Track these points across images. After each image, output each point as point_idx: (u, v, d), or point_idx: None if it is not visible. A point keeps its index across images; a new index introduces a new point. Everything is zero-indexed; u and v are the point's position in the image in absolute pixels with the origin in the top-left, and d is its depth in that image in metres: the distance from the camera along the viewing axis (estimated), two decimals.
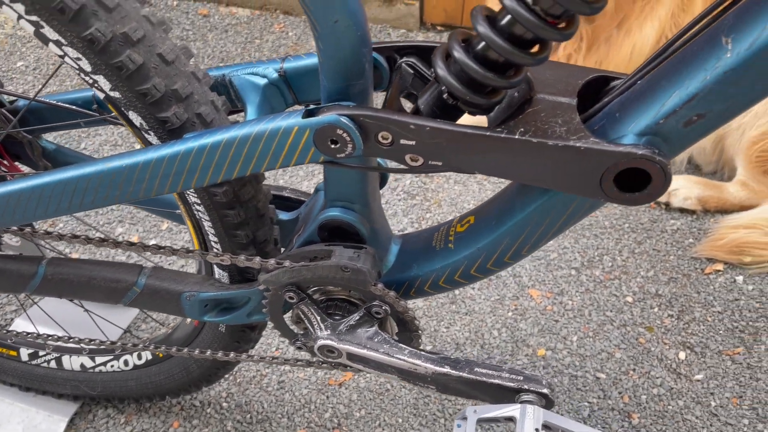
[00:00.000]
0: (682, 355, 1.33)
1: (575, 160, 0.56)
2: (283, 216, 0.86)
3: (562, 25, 0.54)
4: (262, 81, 0.71)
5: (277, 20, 2.13)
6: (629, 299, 1.43)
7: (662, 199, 1.60)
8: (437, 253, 0.75)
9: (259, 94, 0.71)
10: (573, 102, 0.60)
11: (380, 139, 0.59)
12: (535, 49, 0.56)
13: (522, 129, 0.57)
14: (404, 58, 0.66)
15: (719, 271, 1.49)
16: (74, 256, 1.46)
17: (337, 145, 0.60)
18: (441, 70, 0.58)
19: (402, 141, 0.59)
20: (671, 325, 1.38)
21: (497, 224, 0.69)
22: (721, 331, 1.37)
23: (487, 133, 0.57)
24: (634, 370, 1.30)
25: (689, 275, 1.48)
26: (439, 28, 2.10)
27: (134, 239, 1.52)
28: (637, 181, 0.57)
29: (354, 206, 0.72)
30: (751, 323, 1.39)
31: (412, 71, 0.66)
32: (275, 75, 0.70)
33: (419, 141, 0.58)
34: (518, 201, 0.67)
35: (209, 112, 0.68)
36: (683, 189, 1.59)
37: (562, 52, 1.58)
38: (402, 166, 0.61)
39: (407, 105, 0.65)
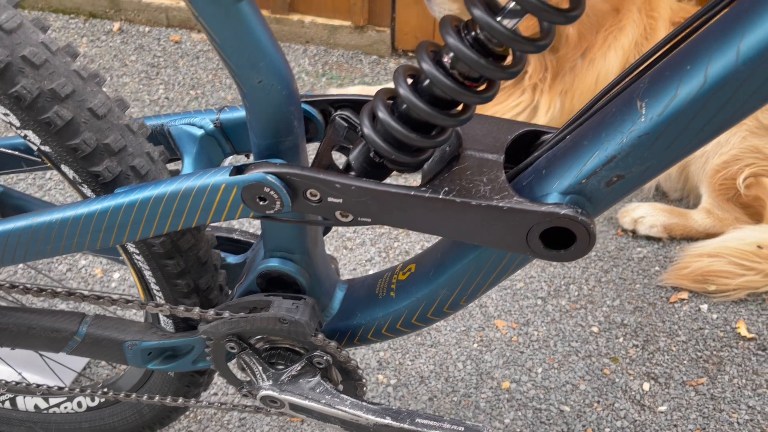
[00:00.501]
0: (646, 386, 1.33)
1: (499, 219, 0.56)
2: (231, 259, 0.86)
3: (482, 87, 0.54)
4: (199, 132, 0.70)
5: None
6: (595, 329, 1.43)
7: (629, 227, 1.61)
8: (380, 302, 0.75)
9: (196, 144, 0.70)
10: (500, 159, 0.60)
11: (308, 196, 0.59)
12: (459, 108, 0.56)
13: (446, 188, 0.57)
14: (338, 111, 0.66)
15: (684, 299, 1.49)
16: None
17: (266, 202, 0.60)
18: (367, 129, 0.58)
19: (329, 199, 0.59)
20: (636, 356, 1.38)
21: (435, 275, 0.69)
22: (685, 361, 1.37)
23: (411, 193, 0.57)
24: (598, 402, 1.30)
25: (655, 304, 1.48)
26: (410, 54, 2.11)
27: (97, 272, 1.50)
28: (565, 238, 0.57)
29: (293, 256, 0.72)
30: (714, 353, 1.39)
31: (345, 124, 0.66)
32: (211, 126, 0.70)
33: (346, 199, 0.58)
34: (454, 253, 0.66)
35: (144, 164, 0.68)
36: (649, 217, 1.60)
37: (528, 82, 1.59)
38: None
39: (341, 158, 0.65)
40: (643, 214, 1.60)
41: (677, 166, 1.62)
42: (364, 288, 0.78)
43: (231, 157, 0.73)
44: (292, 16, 2.09)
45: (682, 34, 0.52)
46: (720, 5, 0.49)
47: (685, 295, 1.49)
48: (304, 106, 0.66)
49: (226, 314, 0.72)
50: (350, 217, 0.60)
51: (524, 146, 0.64)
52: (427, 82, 0.54)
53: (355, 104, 0.66)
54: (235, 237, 0.89)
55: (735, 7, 0.47)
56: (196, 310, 0.73)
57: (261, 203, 0.60)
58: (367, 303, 0.75)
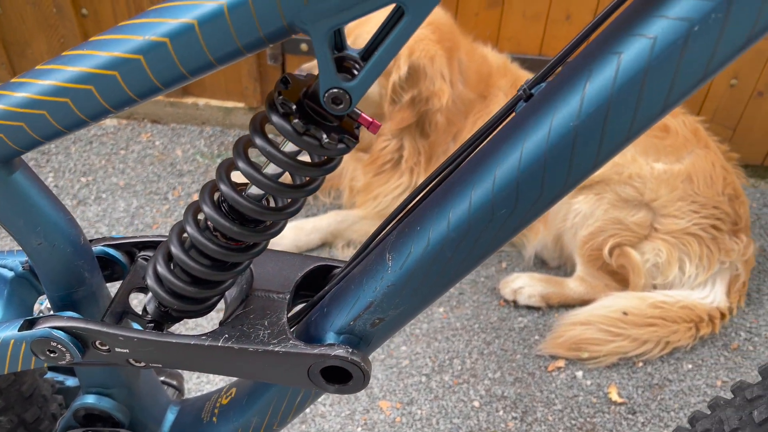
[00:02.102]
0: None
1: (278, 362, 0.59)
2: (70, 382, 0.86)
3: (246, 245, 0.57)
4: (10, 273, 0.71)
5: (145, 129, 2.15)
6: (476, 404, 1.47)
7: (509, 297, 1.68)
8: (204, 427, 0.76)
9: (7, 286, 0.71)
10: (285, 298, 0.63)
11: (98, 346, 0.61)
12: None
13: (227, 334, 0.60)
14: (142, 252, 0.69)
15: (561, 367, 1.55)
16: None
17: (56, 354, 0.61)
18: (150, 280, 0.60)
19: (117, 349, 0.60)
20: (515, 428, 1.43)
21: (248, 402, 0.71)
22: (560, 430, 1.42)
23: (192, 342, 0.59)
24: None
25: (534, 374, 1.54)
26: None
27: None
28: (346, 372, 0.60)
29: (110, 391, 0.73)
30: (588, 419, 1.45)
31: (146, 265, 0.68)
32: (21, 269, 0.71)
33: (132, 349, 0.60)
34: (259, 384, 0.69)
35: None
36: (527, 287, 1.67)
37: (405, 165, 1.66)
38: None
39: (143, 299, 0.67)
40: (521, 284, 1.67)
41: (552, 237, 1.71)
42: (193, 411, 0.79)
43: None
44: (186, 99, 2.12)
45: (430, 185, 0.57)
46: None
47: (561, 363, 1.56)
48: (106, 249, 0.68)
49: None
50: (143, 363, 0.62)
51: (321, 278, 0.68)
52: (191, 242, 0.58)
53: (158, 246, 0.69)
54: None
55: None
56: None
57: (52, 355, 0.61)
58: (193, 428, 0.77)
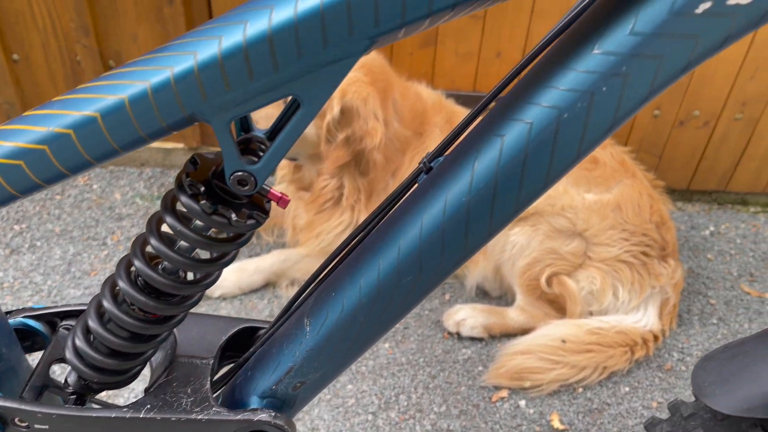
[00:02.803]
0: None
1: (201, 430, 0.60)
2: None
3: (164, 317, 0.58)
4: None
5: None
6: None
7: (453, 329, 1.71)
8: None
9: None
10: (209, 363, 0.64)
11: (17, 423, 0.60)
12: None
13: (149, 405, 0.60)
14: (64, 322, 0.69)
15: (504, 397, 1.59)
16: None
17: None
18: (69, 354, 0.60)
19: (37, 425, 0.60)
20: None
21: None
22: None
23: (113, 416, 0.59)
24: None
25: (478, 405, 1.56)
26: None
27: None
28: None
29: None
30: None
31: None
32: None
33: (52, 425, 0.60)
34: None
35: None
36: (470, 319, 1.70)
37: (345, 203, 1.68)
38: None
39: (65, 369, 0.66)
40: (464, 316, 1.70)
41: (492, 268, 1.76)
42: None
43: None
44: None
45: (340, 255, 0.59)
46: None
47: (505, 393, 1.59)
48: (25, 321, 0.68)
49: None
50: None
51: (247, 338, 0.69)
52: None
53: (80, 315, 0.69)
54: None
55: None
56: None
57: None
58: None
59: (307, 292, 0.60)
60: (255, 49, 0.40)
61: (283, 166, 1.82)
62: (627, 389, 1.61)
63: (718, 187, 2.16)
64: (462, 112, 1.78)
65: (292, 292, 1.78)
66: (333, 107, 1.54)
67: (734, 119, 1.98)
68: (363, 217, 1.69)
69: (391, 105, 1.64)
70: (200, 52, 0.41)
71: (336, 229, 1.71)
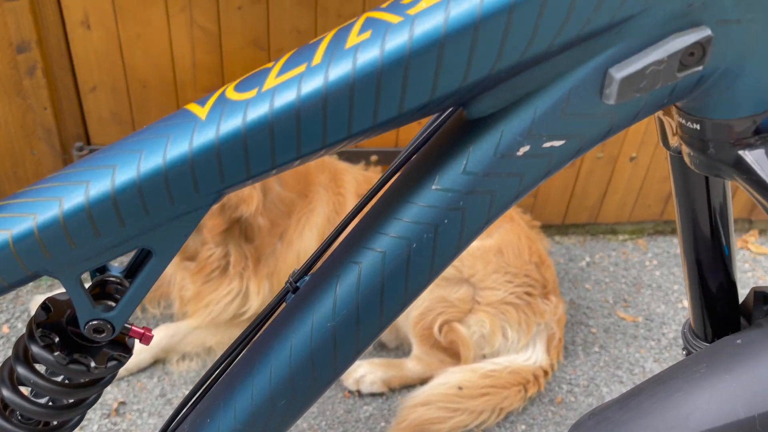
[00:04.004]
0: None
1: None
2: None
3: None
4: None
5: None
6: None
7: (353, 387, 1.71)
8: None
9: None
10: None
11: None
12: None
13: None
14: None
15: None
16: None
17: None
18: None
19: None
20: None
21: None
22: None
23: None
24: None
25: None
26: None
27: None
28: None
29: None
30: None
31: None
32: None
33: None
34: None
35: None
36: (369, 375, 1.71)
37: (233, 271, 1.65)
38: None
39: None
40: (363, 373, 1.71)
41: None
42: None
43: None
44: None
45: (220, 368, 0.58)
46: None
47: None
48: None
49: None
50: None
51: None
52: None
53: None
54: None
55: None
56: None
57: None
58: None
59: (177, 419, 0.58)
60: (99, 209, 0.40)
61: None
62: (523, 427, 1.68)
63: (590, 220, 2.33)
64: (346, 169, 1.81)
65: (184, 367, 1.71)
66: None
67: (596, 158, 2.15)
68: (252, 284, 1.67)
69: None
70: (40, 213, 0.40)
71: (225, 298, 1.68)
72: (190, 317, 1.74)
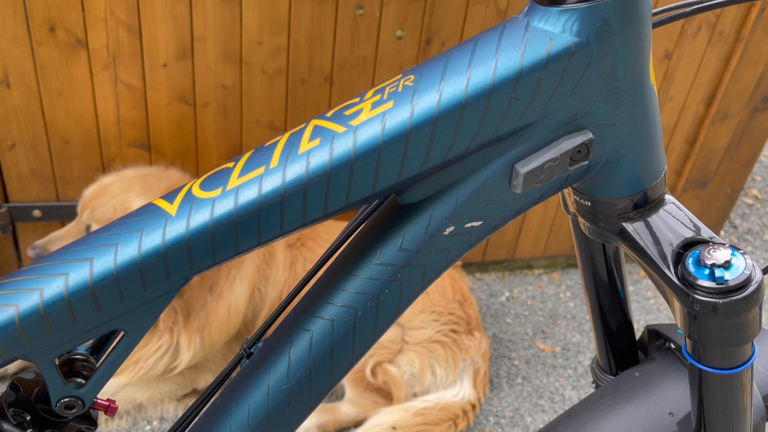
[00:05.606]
0: None
1: None
2: None
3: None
4: None
5: None
6: None
7: None
8: None
9: None
10: None
11: None
12: None
13: None
14: None
15: None
16: None
17: None
18: None
19: None
20: None
21: None
22: None
23: None
24: None
25: None
26: None
27: None
28: None
29: None
30: None
31: None
32: None
33: None
34: None
35: None
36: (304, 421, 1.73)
37: (163, 326, 1.65)
38: None
39: None
40: None
41: None
42: None
43: None
44: None
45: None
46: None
47: None
48: None
49: None
50: None
51: None
52: None
53: None
54: None
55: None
56: None
57: None
58: None
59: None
60: (77, 298, 0.44)
61: None
62: None
63: (507, 256, 2.47)
64: None
65: (113, 426, 1.68)
66: None
67: None
68: (183, 338, 1.67)
69: None
70: (21, 304, 0.44)
71: (156, 353, 1.67)
72: (119, 374, 1.71)
